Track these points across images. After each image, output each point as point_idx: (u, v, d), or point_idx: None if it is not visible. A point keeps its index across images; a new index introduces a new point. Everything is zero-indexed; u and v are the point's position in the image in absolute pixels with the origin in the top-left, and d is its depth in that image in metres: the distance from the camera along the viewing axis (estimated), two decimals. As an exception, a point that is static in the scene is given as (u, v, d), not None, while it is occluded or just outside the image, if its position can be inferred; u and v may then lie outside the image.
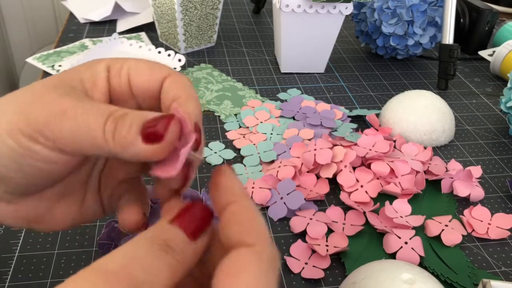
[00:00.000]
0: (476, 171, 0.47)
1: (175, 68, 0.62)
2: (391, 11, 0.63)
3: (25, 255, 0.36)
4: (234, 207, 0.21)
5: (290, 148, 0.48)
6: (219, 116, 0.55)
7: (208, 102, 0.57)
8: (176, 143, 0.22)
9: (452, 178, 0.45)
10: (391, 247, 0.38)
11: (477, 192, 0.44)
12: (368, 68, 0.68)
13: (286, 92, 0.60)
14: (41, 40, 1.36)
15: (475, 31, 0.71)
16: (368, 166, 0.45)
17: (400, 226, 0.39)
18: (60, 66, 0.62)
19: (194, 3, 0.64)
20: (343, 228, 0.40)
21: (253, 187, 0.42)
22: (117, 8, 0.78)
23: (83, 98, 0.23)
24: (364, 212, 0.41)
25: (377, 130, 0.52)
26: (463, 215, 0.42)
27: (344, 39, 0.77)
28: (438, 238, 0.39)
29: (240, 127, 0.53)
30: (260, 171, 0.46)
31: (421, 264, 0.37)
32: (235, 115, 0.55)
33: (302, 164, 0.46)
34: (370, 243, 0.39)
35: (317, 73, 0.66)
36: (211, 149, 0.49)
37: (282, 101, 0.58)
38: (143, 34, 0.74)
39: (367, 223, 0.41)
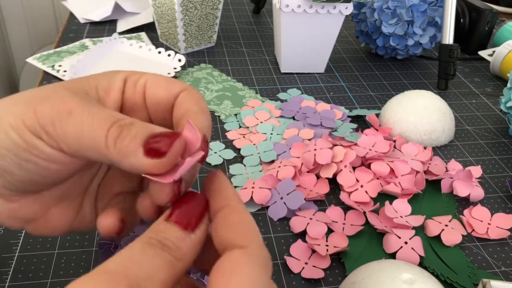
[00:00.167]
0: (476, 171, 0.47)
1: (175, 68, 0.62)
2: (391, 11, 0.63)
3: (25, 255, 0.36)
4: (226, 210, 0.22)
5: (290, 148, 0.48)
6: (219, 116, 0.55)
7: (208, 102, 0.57)
8: (178, 160, 0.22)
9: (452, 178, 0.45)
10: (391, 247, 0.38)
11: (477, 192, 0.44)
12: (368, 68, 0.68)
13: (286, 92, 0.60)
14: (41, 40, 1.36)
15: (475, 31, 0.71)
16: (368, 166, 0.45)
17: (400, 226, 0.39)
18: (60, 66, 0.62)
19: (194, 3, 0.64)
20: (343, 228, 0.40)
21: (253, 187, 0.42)
22: (117, 8, 0.78)
23: (93, 102, 0.23)
24: (364, 212, 0.41)
25: (377, 130, 0.52)
26: (463, 215, 0.42)
27: (344, 39, 0.77)
28: (438, 238, 0.39)
29: (240, 127, 0.53)
30: (260, 171, 0.46)
31: (421, 264, 0.37)
32: (235, 115, 0.55)
33: (302, 164, 0.46)
34: (370, 243, 0.39)
35: (317, 73, 0.66)
36: (211, 149, 0.49)
37: (282, 101, 0.58)
38: (143, 34, 0.74)
39: (367, 223, 0.41)
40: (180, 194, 0.23)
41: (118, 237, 0.26)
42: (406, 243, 0.38)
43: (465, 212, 0.43)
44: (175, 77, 0.61)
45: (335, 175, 0.44)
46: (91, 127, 0.22)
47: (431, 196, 0.44)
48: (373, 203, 0.42)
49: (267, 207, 0.42)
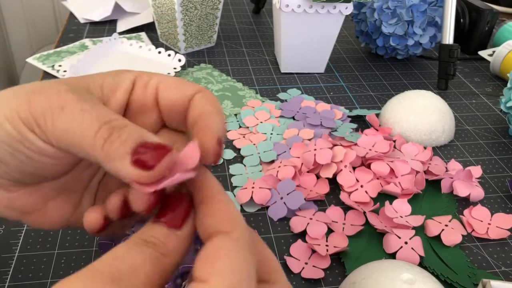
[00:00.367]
0: (476, 171, 0.47)
1: (175, 68, 0.62)
2: (391, 11, 0.63)
3: (25, 255, 0.36)
4: (208, 200, 0.22)
5: (290, 148, 0.48)
6: (219, 116, 0.55)
7: (208, 102, 0.57)
8: (166, 174, 0.21)
9: (452, 178, 0.45)
10: (391, 247, 0.38)
11: (477, 192, 0.44)
12: (368, 68, 0.68)
13: (286, 92, 0.60)
14: (41, 40, 1.36)
15: (475, 31, 0.71)
16: (368, 166, 0.45)
17: (400, 226, 0.39)
18: (60, 66, 0.62)
19: (194, 3, 0.64)
20: (343, 228, 0.40)
21: (253, 187, 0.42)
22: (117, 8, 0.78)
23: (88, 99, 0.23)
24: (364, 212, 0.41)
25: (377, 130, 0.52)
26: (463, 215, 0.42)
27: (344, 39, 0.77)
28: (438, 238, 0.39)
29: (240, 127, 0.53)
30: (260, 171, 0.46)
31: (421, 264, 0.37)
32: (235, 115, 0.55)
33: (302, 164, 0.46)
34: (370, 243, 0.39)
35: (317, 73, 0.66)
36: (211, 149, 0.49)
37: (282, 101, 0.58)
38: (143, 34, 0.74)
39: (367, 223, 0.41)
40: (157, 205, 0.22)
41: (101, 234, 0.26)
42: (406, 243, 0.38)
43: (465, 212, 0.43)
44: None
45: (335, 175, 0.44)
46: (81, 125, 0.21)
47: (431, 196, 0.44)
48: (373, 203, 0.42)
49: (267, 207, 0.42)
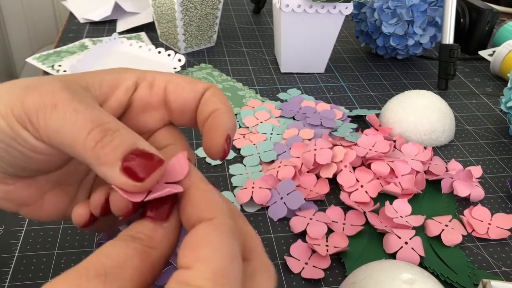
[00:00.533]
0: (476, 171, 0.47)
1: (174, 68, 0.62)
2: (391, 11, 0.63)
3: (25, 255, 0.36)
4: (190, 191, 0.22)
5: (290, 148, 0.48)
6: (219, 116, 0.55)
7: (208, 102, 0.57)
8: (153, 186, 0.21)
9: (452, 178, 0.45)
10: (391, 247, 0.38)
11: (477, 192, 0.44)
12: (368, 68, 0.68)
13: (286, 92, 0.60)
14: (41, 40, 1.36)
15: (475, 31, 0.71)
16: (368, 166, 0.45)
17: (400, 226, 0.39)
18: (60, 66, 0.62)
19: (194, 3, 0.64)
20: (343, 228, 0.40)
21: (253, 187, 0.42)
22: (117, 8, 0.78)
23: (83, 99, 0.23)
24: (364, 212, 0.41)
25: (377, 130, 0.52)
26: (463, 215, 0.42)
27: (344, 39, 0.77)
28: (438, 238, 0.39)
29: (240, 127, 0.53)
30: (260, 171, 0.46)
31: (421, 264, 0.37)
32: (235, 115, 0.55)
33: (302, 164, 0.46)
34: (370, 243, 0.39)
35: (317, 73, 0.66)
36: (211, 149, 0.49)
37: (282, 101, 0.58)
38: (143, 34, 0.74)
39: (367, 223, 0.41)
40: (135, 212, 0.22)
41: (88, 229, 0.26)
42: (406, 243, 0.38)
43: (465, 212, 0.43)
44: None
45: (335, 175, 0.44)
46: (73, 125, 0.21)
47: (431, 196, 0.44)
48: (373, 203, 0.42)
49: (267, 207, 0.42)
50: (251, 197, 0.42)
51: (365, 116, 0.56)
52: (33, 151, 0.23)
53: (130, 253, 0.19)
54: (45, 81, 0.23)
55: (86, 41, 0.70)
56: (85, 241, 0.38)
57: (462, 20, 0.72)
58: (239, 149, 0.49)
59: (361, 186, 0.43)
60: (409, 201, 0.42)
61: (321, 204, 0.43)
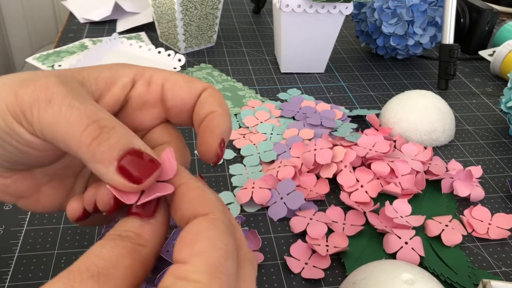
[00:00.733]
0: (476, 171, 0.47)
1: (174, 68, 0.62)
2: (391, 11, 0.63)
3: (25, 255, 0.36)
4: (182, 188, 0.22)
5: (290, 148, 0.48)
6: (219, 116, 0.55)
7: (208, 102, 0.57)
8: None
9: (452, 178, 0.45)
10: (391, 247, 0.38)
11: (477, 192, 0.44)
12: (368, 68, 0.68)
13: (286, 92, 0.60)
14: (41, 40, 1.36)
15: (475, 31, 0.71)
16: (368, 166, 0.45)
17: (400, 226, 0.39)
18: (59, 66, 0.62)
19: (194, 3, 0.64)
20: (343, 228, 0.40)
21: (253, 187, 0.42)
22: (117, 8, 0.78)
23: (78, 94, 0.22)
24: (364, 212, 0.41)
25: (377, 130, 0.52)
26: (463, 215, 0.42)
27: (344, 39, 0.77)
28: (438, 238, 0.39)
29: (240, 127, 0.53)
30: (260, 171, 0.46)
31: (421, 264, 0.37)
32: (235, 115, 0.55)
33: (302, 164, 0.46)
34: (370, 243, 0.39)
35: (317, 73, 0.66)
36: (211, 149, 0.49)
37: (282, 101, 0.58)
38: (143, 34, 0.74)
39: (367, 223, 0.41)
40: (118, 209, 0.22)
41: (82, 223, 0.26)
42: (406, 243, 0.38)
43: (466, 212, 0.43)
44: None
45: (335, 175, 0.44)
46: (68, 120, 0.21)
47: (431, 196, 0.44)
48: (373, 203, 0.42)
49: (267, 207, 0.42)
50: (251, 197, 0.42)
51: (365, 116, 0.56)
52: (28, 146, 0.23)
53: (120, 252, 0.19)
54: (40, 75, 0.22)
55: (86, 41, 0.70)
56: (85, 241, 0.38)
57: (462, 20, 0.72)
58: (239, 149, 0.49)
59: (361, 186, 0.43)
60: (409, 201, 0.42)
61: (321, 204, 0.43)
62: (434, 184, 0.46)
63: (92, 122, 0.21)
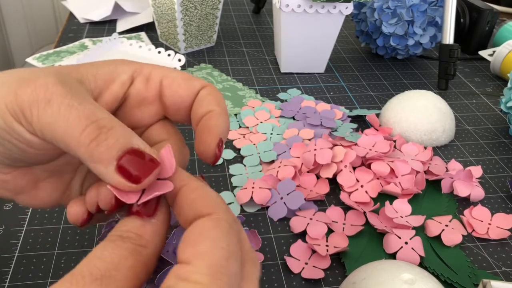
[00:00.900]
0: (476, 171, 0.47)
1: (174, 68, 0.62)
2: (391, 11, 0.63)
3: (25, 255, 0.36)
4: (185, 189, 0.22)
5: (290, 148, 0.48)
6: (219, 116, 0.55)
7: (208, 102, 0.57)
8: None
9: (452, 178, 0.45)
10: (391, 247, 0.38)
11: (477, 192, 0.44)
12: (368, 68, 0.68)
13: (286, 92, 0.60)
14: (41, 40, 1.36)
15: (475, 31, 0.71)
16: (368, 166, 0.45)
17: (400, 226, 0.39)
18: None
19: (194, 3, 0.64)
20: (343, 228, 0.40)
21: (253, 187, 0.42)
22: (117, 8, 0.78)
23: (77, 93, 0.22)
24: (364, 212, 0.41)
25: (377, 130, 0.52)
26: (463, 215, 0.42)
27: (344, 39, 0.77)
28: (438, 238, 0.39)
29: (240, 127, 0.53)
30: (260, 171, 0.46)
31: (421, 264, 0.37)
32: (235, 115, 0.55)
33: (302, 164, 0.46)
34: (370, 243, 0.39)
35: (317, 73, 0.66)
36: (211, 149, 0.49)
37: (282, 101, 0.58)
38: (143, 34, 0.74)
39: (367, 223, 0.41)
40: (119, 208, 0.22)
41: (86, 226, 0.26)
42: (406, 243, 0.38)
43: (466, 212, 0.43)
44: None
45: (335, 175, 0.44)
46: (67, 120, 0.21)
47: (431, 196, 0.44)
48: (373, 203, 0.42)
49: (267, 207, 0.42)
50: (251, 197, 0.42)
51: (365, 116, 0.56)
52: (27, 145, 0.23)
53: (122, 254, 0.19)
54: (39, 74, 0.22)
55: (86, 41, 0.70)
56: (85, 241, 0.38)
57: (462, 20, 0.72)
58: (239, 149, 0.49)
59: (361, 186, 0.43)
60: (409, 201, 0.42)
61: (321, 204, 0.43)
62: (434, 184, 0.46)
63: (91, 123, 0.21)
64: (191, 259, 0.19)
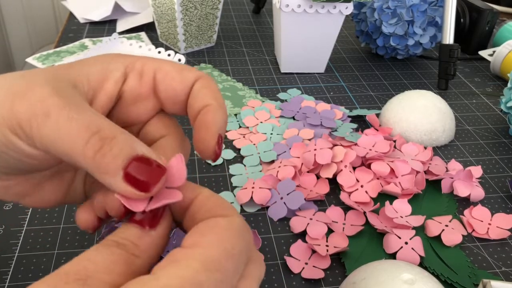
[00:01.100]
0: (476, 171, 0.47)
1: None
2: (391, 11, 0.63)
3: (25, 255, 0.36)
4: (200, 198, 0.22)
5: (290, 148, 0.48)
6: (219, 116, 0.55)
7: (208, 102, 0.57)
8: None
9: (452, 178, 0.45)
10: (391, 247, 0.38)
11: (477, 192, 0.44)
12: (368, 68, 0.68)
13: (286, 92, 0.60)
14: (41, 40, 1.36)
15: (475, 31, 0.71)
16: (368, 166, 0.45)
17: (400, 226, 0.39)
18: (60, 66, 0.62)
19: (194, 3, 0.64)
20: (343, 228, 0.40)
21: (253, 187, 0.42)
22: (117, 8, 0.78)
23: (75, 102, 0.22)
24: (364, 212, 0.41)
25: (377, 130, 0.52)
26: (463, 215, 0.42)
27: (344, 39, 0.77)
28: (438, 238, 0.39)
29: (240, 127, 0.53)
30: (260, 171, 0.46)
31: (421, 264, 0.37)
32: (235, 115, 0.55)
33: (302, 164, 0.46)
34: (370, 243, 0.39)
35: (317, 73, 0.66)
36: (211, 149, 0.49)
37: (282, 101, 0.58)
38: (143, 34, 0.74)
39: (367, 223, 0.41)
40: (128, 214, 0.22)
41: (96, 230, 0.26)
42: (406, 243, 0.38)
43: (466, 212, 0.43)
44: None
45: (335, 175, 0.44)
46: (69, 134, 0.21)
47: (431, 196, 0.44)
48: (373, 203, 0.42)
49: (267, 207, 0.42)
50: (251, 197, 0.42)
51: (365, 116, 0.56)
52: (27, 157, 0.22)
53: (114, 259, 0.19)
54: (33, 84, 0.22)
55: (86, 41, 0.70)
56: (85, 241, 0.38)
57: (462, 20, 0.72)
58: (239, 149, 0.49)
59: (361, 186, 0.43)
60: (409, 201, 0.42)
61: (321, 204, 0.43)
62: (434, 184, 0.45)
63: (93, 134, 0.21)
64: (192, 246, 0.19)
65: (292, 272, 0.36)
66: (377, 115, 0.55)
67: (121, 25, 0.76)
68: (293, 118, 0.54)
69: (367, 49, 0.74)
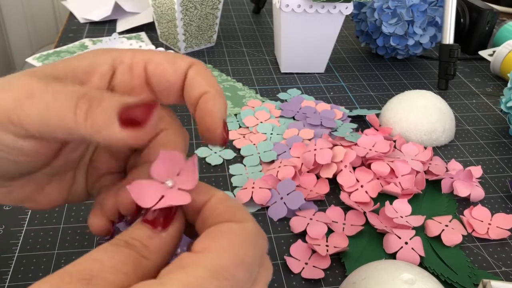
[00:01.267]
0: (476, 171, 0.47)
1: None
2: (391, 11, 0.63)
3: (25, 255, 0.36)
4: (214, 200, 0.21)
5: (290, 148, 0.48)
6: (219, 116, 0.55)
7: (208, 102, 0.57)
8: (156, 130, 0.21)
9: (452, 178, 0.45)
10: (391, 247, 0.38)
11: (477, 192, 0.44)
12: (368, 68, 0.68)
13: (286, 92, 0.60)
14: (41, 40, 1.36)
15: (475, 31, 0.71)
16: (368, 166, 0.45)
17: (400, 226, 0.39)
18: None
19: (194, 3, 0.64)
20: (343, 228, 0.40)
21: (253, 187, 0.42)
22: (117, 8, 0.78)
23: (57, 82, 0.22)
24: (364, 212, 0.41)
25: (377, 130, 0.52)
26: (463, 215, 0.42)
27: (344, 39, 0.77)
28: (438, 238, 0.39)
29: (240, 127, 0.53)
30: (260, 171, 0.46)
31: (421, 264, 0.37)
32: (235, 115, 0.55)
33: (302, 164, 0.46)
34: (370, 243, 0.39)
35: (317, 73, 0.66)
36: (211, 149, 0.49)
37: (282, 101, 0.58)
38: (143, 34, 0.74)
39: (367, 223, 0.41)
40: (138, 213, 0.22)
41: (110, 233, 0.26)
42: (406, 243, 0.38)
43: (466, 212, 0.43)
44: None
45: (335, 175, 0.44)
46: (57, 106, 0.20)
47: (431, 196, 0.44)
48: (373, 203, 0.42)
49: (267, 207, 0.42)
50: (251, 197, 0.42)
51: (365, 116, 0.56)
52: (18, 154, 0.22)
53: (122, 259, 0.19)
54: (13, 78, 0.22)
55: (86, 41, 0.70)
56: (85, 241, 0.38)
57: (462, 20, 0.72)
58: (239, 149, 0.49)
59: (361, 186, 0.43)
60: (409, 201, 0.42)
61: (321, 204, 0.43)
62: (434, 184, 0.45)
63: (80, 98, 0.20)
64: (202, 251, 0.18)
65: (292, 272, 0.36)
66: (377, 115, 0.55)
67: (121, 25, 0.76)
68: (293, 118, 0.54)
69: (367, 49, 0.74)
